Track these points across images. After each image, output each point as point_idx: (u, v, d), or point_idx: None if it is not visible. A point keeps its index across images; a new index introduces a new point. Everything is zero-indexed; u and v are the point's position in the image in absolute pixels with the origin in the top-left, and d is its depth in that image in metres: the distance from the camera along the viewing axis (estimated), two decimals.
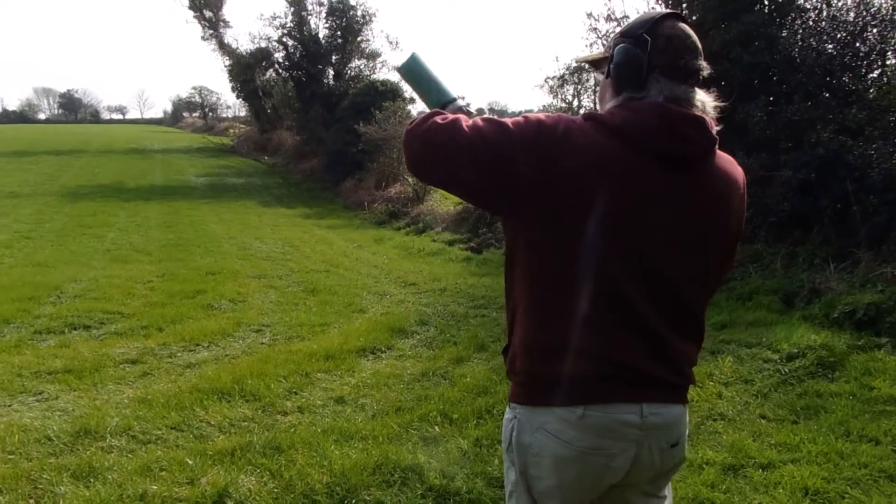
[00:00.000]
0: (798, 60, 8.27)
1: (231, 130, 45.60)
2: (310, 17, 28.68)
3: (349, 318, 6.72)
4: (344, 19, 28.04)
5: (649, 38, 1.44)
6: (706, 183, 1.50)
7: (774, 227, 7.82)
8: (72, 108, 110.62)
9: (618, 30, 1.49)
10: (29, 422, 3.83)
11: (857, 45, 8.05)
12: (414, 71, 1.76)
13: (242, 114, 51.30)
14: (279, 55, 29.54)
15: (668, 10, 1.54)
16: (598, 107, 1.59)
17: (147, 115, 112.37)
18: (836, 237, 7.28)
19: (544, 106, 16.05)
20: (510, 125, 1.44)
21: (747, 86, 8.50)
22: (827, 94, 8.18)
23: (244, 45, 32.90)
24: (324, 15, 28.82)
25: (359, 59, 28.32)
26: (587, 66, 1.83)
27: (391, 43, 29.71)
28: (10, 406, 4.19)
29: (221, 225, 14.36)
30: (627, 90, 1.48)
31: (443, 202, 16.45)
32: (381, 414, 4.07)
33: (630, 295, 1.45)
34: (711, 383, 4.60)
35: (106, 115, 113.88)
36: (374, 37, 29.11)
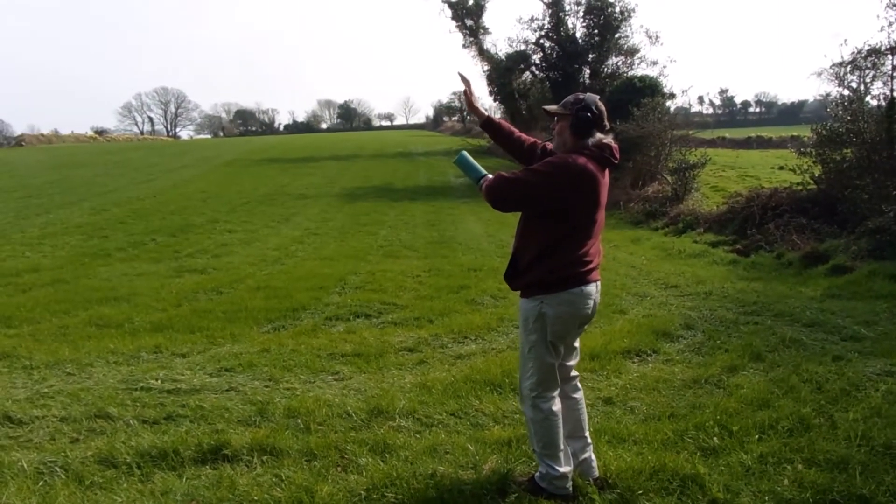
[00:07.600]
0: None
1: None
2: (567, 17, 28.88)
3: (610, 319, 6.64)
4: (602, 17, 27.80)
5: (597, 112, 2.94)
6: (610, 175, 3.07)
7: None
8: (348, 117, 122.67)
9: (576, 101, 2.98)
10: (330, 398, 4.31)
11: None
12: (463, 162, 3.12)
13: (498, 116, 53.03)
14: (536, 57, 30.13)
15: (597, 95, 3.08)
16: (562, 144, 3.03)
17: (412, 121, 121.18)
18: None
19: (824, 95, 14.54)
20: (540, 169, 2.88)
21: None
22: None
23: (502, 49, 34.02)
24: (581, 14, 28.84)
25: (616, 56, 27.87)
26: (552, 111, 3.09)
27: (650, 37, 28.79)
28: (313, 383, 4.75)
29: (480, 223, 14.98)
30: (587, 137, 2.93)
31: (705, 202, 15.63)
32: (652, 419, 3.96)
33: (595, 234, 3.00)
34: None
35: (376, 122, 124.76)
36: (633, 32, 28.53)
